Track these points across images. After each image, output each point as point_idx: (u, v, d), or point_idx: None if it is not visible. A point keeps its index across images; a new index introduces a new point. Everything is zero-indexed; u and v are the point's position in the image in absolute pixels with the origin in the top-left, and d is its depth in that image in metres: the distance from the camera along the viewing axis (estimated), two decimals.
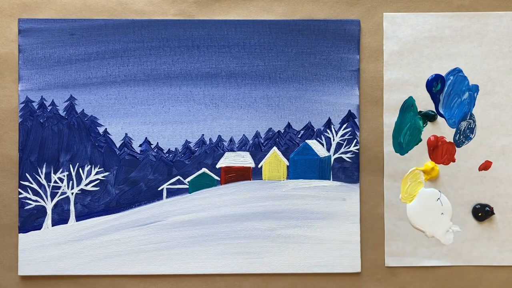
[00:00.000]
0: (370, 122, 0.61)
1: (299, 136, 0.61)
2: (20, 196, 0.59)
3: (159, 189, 0.60)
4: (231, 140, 0.61)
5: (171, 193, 0.61)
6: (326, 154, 0.61)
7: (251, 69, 0.60)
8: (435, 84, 0.60)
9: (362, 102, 0.60)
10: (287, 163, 0.61)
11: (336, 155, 0.61)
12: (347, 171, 0.61)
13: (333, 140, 0.61)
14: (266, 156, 0.61)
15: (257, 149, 0.61)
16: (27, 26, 0.59)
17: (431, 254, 0.60)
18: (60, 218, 0.60)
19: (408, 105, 0.60)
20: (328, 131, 0.61)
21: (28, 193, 0.59)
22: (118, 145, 0.60)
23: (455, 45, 0.60)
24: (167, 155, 0.60)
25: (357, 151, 0.60)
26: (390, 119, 0.60)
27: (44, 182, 0.60)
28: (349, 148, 0.61)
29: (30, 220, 0.59)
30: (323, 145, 0.61)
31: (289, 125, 0.61)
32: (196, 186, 0.61)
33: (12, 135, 0.60)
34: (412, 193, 0.60)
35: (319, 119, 0.60)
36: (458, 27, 0.60)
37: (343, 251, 0.59)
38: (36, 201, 0.60)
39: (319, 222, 0.60)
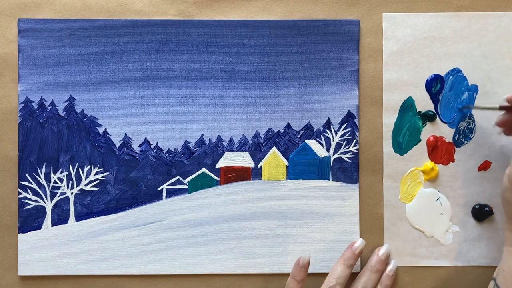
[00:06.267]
0: (369, 122, 0.61)
1: (298, 136, 0.61)
2: (20, 196, 0.59)
3: (159, 189, 0.61)
4: (230, 140, 0.61)
5: (171, 193, 0.61)
6: (326, 154, 0.61)
7: (251, 69, 0.60)
8: (434, 84, 0.60)
9: (361, 102, 0.60)
10: (286, 163, 0.61)
11: (336, 155, 0.61)
12: (346, 171, 0.61)
13: (333, 140, 0.61)
14: (266, 156, 0.61)
15: (257, 149, 0.61)
16: (27, 26, 0.59)
17: (430, 254, 0.60)
18: (60, 218, 0.60)
19: (408, 105, 0.60)
20: (328, 131, 0.61)
21: (28, 193, 0.59)
22: (117, 145, 0.60)
23: (455, 45, 0.60)
24: (166, 155, 0.60)
25: (357, 151, 0.60)
26: (389, 119, 0.60)
27: (43, 182, 0.60)
28: (348, 148, 0.61)
29: (30, 220, 0.59)
30: (322, 145, 0.61)
31: (288, 125, 0.61)
32: (196, 186, 0.61)
33: (12, 135, 0.60)
34: (412, 193, 0.60)
35: (319, 119, 0.60)
36: (458, 28, 0.60)
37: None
38: (35, 201, 0.60)
39: (318, 222, 0.60)
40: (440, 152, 0.60)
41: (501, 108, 0.54)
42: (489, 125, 0.60)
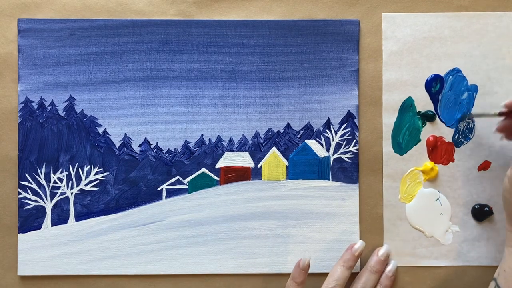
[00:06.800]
0: (369, 122, 0.61)
1: (298, 136, 0.61)
2: (20, 196, 0.59)
3: (159, 189, 0.61)
4: (230, 140, 0.61)
5: (171, 193, 0.61)
6: (326, 154, 0.61)
7: (251, 69, 0.60)
8: (434, 84, 0.60)
9: (361, 102, 0.60)
10: (286, 163, 0.61)
11: (336, 155, 0.61)
12: (346, 171, 0.61)
13: (333, 140, 0.61)
14: (266, 156, 0.61)
15: (257, 149, 0.61)
16: (27, 26, 0.59)
17: (430, 254, 0.60)
18: (60, 218, 0.60)
19: (407, 105, 0.60)
20: (328, 131, 0.61)
21: (28, 193, 0.59)
22: (117, 145, 0.60)
23: (454, 45, 0.60)
24: (166, 155, 0.60)
25: (357, 151, 0.60)
26: (389, 119, 0.60)
27: (43, 182, 0.60)
28: (348, 148, 0.61)
29: (30, 220, 0.59)
30: (322, 145, 0.61)
31: (288, 125, 0.61)
32: (196, 186, 0.61)
33: (12, 135, 0.60)
34: (411, 193, 0.60)
35: (319, 119, 0.60)
36: (457, 27, 0.60)
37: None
38: (35, 201, 0.60)
39: (318, 222, 0.60)
40: (440, 152, 0.60)
41: (500, 114, 0.54)
42: (489, 125, 0.60)
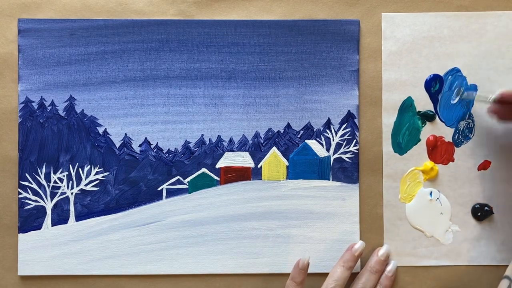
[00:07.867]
0: (369, 122, 0.61)
1: (298, 136, 0.61)
2: (20, 196, 0.59)
3: (159, 189, 0.60)
4: (230, 140, 0.61)
5: (171, 193, 0.61)
6: (326, 154, 0.61)
7: (251, 69, 0.60)
8: (433, 84, 0.60)
9: (361, 102, 0.61)
10: (286, 163, 0.61)
11: (336, 155, 0.61)
12: (346, 171, 0.61)
13: (333, 140, 0.61)
14: (266, 156, 0.61)
15: (257, 149, 0.61)
16: (27, 26, 0.59)
17: (430, 254, 0.60)
18: (60, 218, 0.60)
19: (407, 105, 0.60)
20: (328, 131, 0.61)
21: (28, 193, 0.59)
22: (117, 145, 0.60)
23: (454, 45, 0.60)
24: (166, 155, 0.60)
25: (357, 151, 0.61)
26: (389, 119, 0.60)
27: (43, 182, 0.60)
28: (348, 148, 0.61)
29: (30, 220, 0.59)
30: (322, 145, 0.61)
31: (288, 125, 0.61)
32: (196, 186, 0.61)
33: (12, 135, 0.60)
34: (411, 193, 0.60)
35: (319, 119, 0.61)
36: (457, 27, 0.60)
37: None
38: (35, 201, 0.60)
39: (318, 222, 0.60)
40: (440, 151, 0.60)
41: (495, 101, 0.56)
42: (489, 124, 0.60)
